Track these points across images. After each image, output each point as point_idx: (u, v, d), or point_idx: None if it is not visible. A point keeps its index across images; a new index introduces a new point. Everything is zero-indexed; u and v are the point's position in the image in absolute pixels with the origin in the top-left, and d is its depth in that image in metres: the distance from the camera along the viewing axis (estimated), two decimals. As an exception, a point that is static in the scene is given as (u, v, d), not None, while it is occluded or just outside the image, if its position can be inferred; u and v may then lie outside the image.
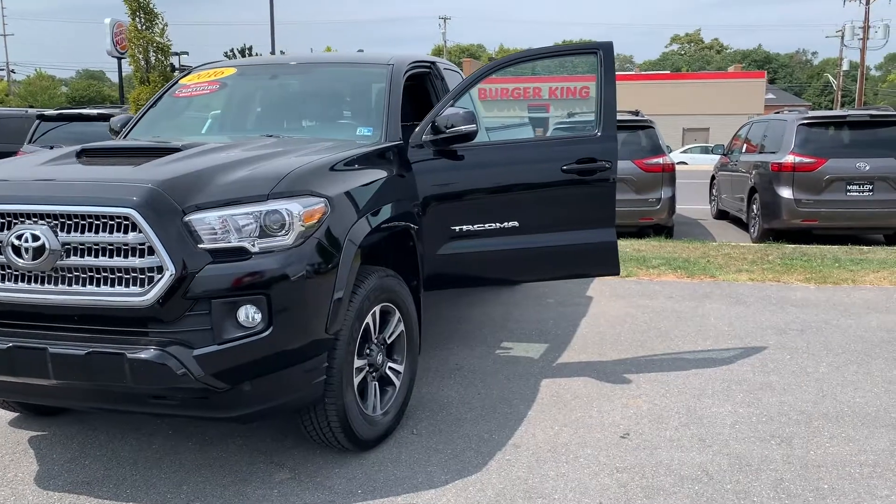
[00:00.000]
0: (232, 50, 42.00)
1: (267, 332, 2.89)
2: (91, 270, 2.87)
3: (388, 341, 3.69)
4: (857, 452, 3.46)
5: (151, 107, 4.68)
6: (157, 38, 15.92)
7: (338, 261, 3.11)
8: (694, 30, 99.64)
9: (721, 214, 13.49)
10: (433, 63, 5.05)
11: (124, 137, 4.51)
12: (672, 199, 10.44)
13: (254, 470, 3.39)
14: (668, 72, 63.57)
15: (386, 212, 3.61)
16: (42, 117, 11.97)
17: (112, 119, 4.78)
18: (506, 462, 3.42)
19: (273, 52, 28.70)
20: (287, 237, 2.95)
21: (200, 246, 2.86)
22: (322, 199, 3.11)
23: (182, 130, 4.49)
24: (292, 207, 2.96)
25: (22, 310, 2.94)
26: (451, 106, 4.17)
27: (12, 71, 72.69)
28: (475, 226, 4.20)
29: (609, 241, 4.36)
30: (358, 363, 3.39)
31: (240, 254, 2.89)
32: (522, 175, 4.28)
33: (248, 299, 2.89)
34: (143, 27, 15.90)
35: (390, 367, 3.72)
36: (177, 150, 3.37)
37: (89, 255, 2.86)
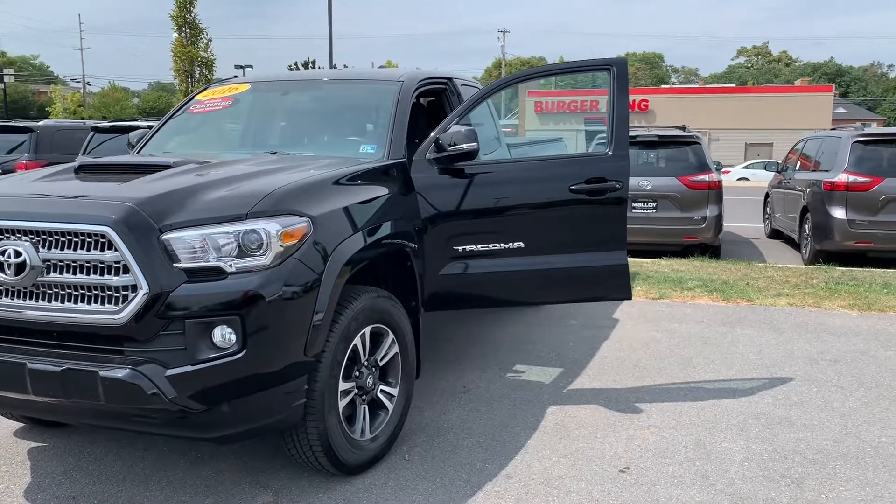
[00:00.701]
0: (295, 63, 42.87)
1: (241, 354, 2.85)
2: (70, 287, 2.88)
3: (381, 363, 3.61)
4: (873, 499, 3.22)
5: (167, 122, 4.74)
6: (202, 53, 16.32)
7: (319, 281, 3.05)
8: (761, 42, 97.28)
9: (775, 234, 13.01)
10: (449, 79, 4.98)
11: (137, 152, 4.56)
12: (718, 218, 10.11)
13: (237, 491, 3.35)
14: (734, 85, 62.15)
15: (379, 231, 3.54)
16: (96, 129, 12.34)
17: (130, 133, 4.84)
18: (494, 493, 3.30)
19: (331, 66, 29.16)
20: (264, 257, 2.91)
21: (176, 265, 2.84)
22: (304, 219, 3.06)
23: (192, 146, 4.52)
24: (270, 227, 2.92)
25: (4, 324, 2.97)
26: (457, 123, 4.09)
27: (88, 83, 75.72)
28: (478, 246, 4.10)
29: (619, 264, 4.20)
30: (344, 386, 3.32)
31: (216, 273, 2.86)
32: (528, 194, 4.16)
33: (223, 320, 2.85)
34: (189, 42, 16.31)
35: (383, 391, 3.63)
36: (168, 167, 3.38)
37: (68, 272, 2.87)
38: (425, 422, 4.11)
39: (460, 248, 4.09)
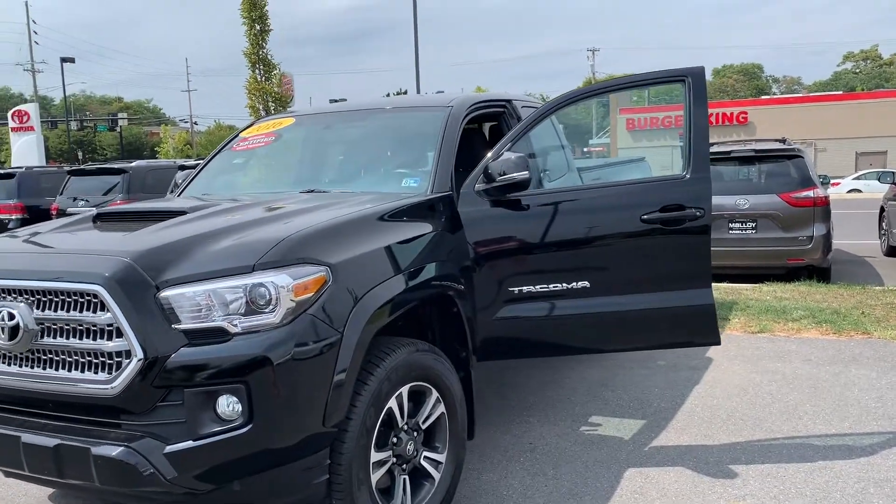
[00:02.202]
0: (388, 94, 43.52)
1: (248, 427, 2.48)
2: (64, 353, 2.60)
3: (424, 426, 3.17)
4: None
5: (210, 161, 4.50)
6: (275, 89, 16.48)
7: (340, 340, 2.65)
8: (870, 46, 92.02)
9: (892, 251, 11.84)
10: (508, 102, 4.53)
11: (179, 194, 4.34)
12: (826, 237, 9.18)
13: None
14: (841, 92, 58.90)
15: (417, 274, 3.12)
16: (182, 167, 12.55)
17: (177, 174, 4.64)
18: (554, 585, 2.79)
19: (417, 93, 29.25)
20: (273, 315, 2.54)
21: (175, 326, 2.51)
22: (322, 268, 2.68)
23: (231, 186, 4.25)
24: (280, 280, 2.55)
25: (3, 393, 2.71)
26: (509, 150, 3.64)
27: (195, 123, 79.48)
28: (537, 287, 3.62)
29: (704, 305, 3.62)
30: (377, 456, 2.90)
31: (219, 335, 2.52)
32: (592, 227, 3.65)
33: (228, 388, 2.49)
34: (263, 79, 16.53)
35: (427, 458, 3.19)
36: (182, 213, 3.08)
37: (62, 335, 2.60)
38: (483, 487, 3.63)
39: (516, 289, 3.62)
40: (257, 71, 16.39)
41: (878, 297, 7.37)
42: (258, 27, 16.17)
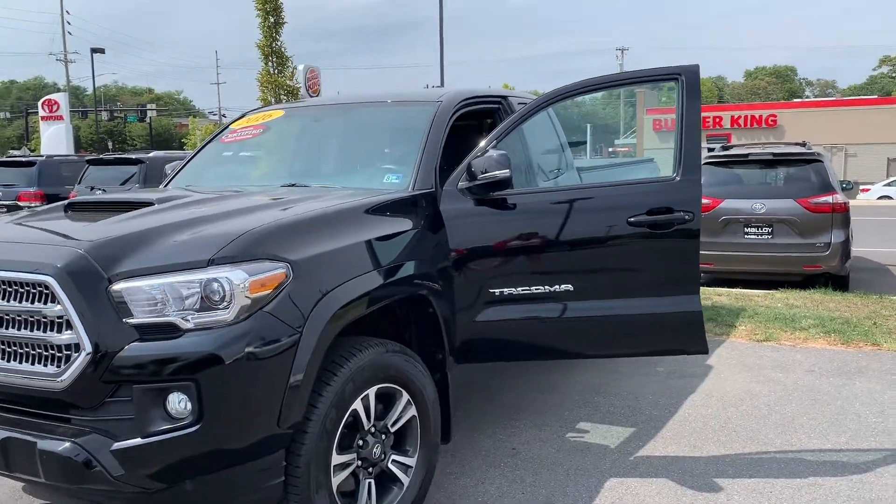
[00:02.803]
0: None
1: (198, 426, 2.41)
2: (16, 344, 2.55)
3: (393, 430, 3.09)
4: None
5: (199, 152, 4.45)
6: (287, 82, 16.45)
7: (297, 340, 2.57)
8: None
9: (917, 261, 11.53)
10: (504, 98, 4.43)
11: (166, 185, 4.29)
12: (845, 244, 8.93)
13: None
14: (875, 96, 57.79)
15: (389, 274, 3.04)
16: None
17: (168, 165, 4.60)
18: None
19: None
20: (227, 312, 2.47)
21: (127, 320, 2.45)
22: (281, 265, 2.60)
23: (216, 178, 4.19)
24: (235, 276, 2.48)
25: None
26: (494, 147, 3.54)
27: (224, 115, 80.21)
28: (519, 289, 3.51)
29: (691, 312, 3.49)
30: (340, 459, 2.82)
31: (170, 331, 2.45)
32: (576, 228, 3.54)
33: (178, 386, 2.43)
34: (276, 71, 16.51)
35: (396, 461, 3.11)
36: (149, 204, 3.02)
37: (13, 326, 2.55)
38: (458, 492, 3.54)
39: (497, 291, 3.52)
40: (270, 63, 16.39)
41: (893, 307, 7.14)
42: (272, 19, 16.19)
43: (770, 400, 4.65)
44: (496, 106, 4.38)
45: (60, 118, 36.21)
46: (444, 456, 3.92)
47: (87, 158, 15.85)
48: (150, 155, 14.76)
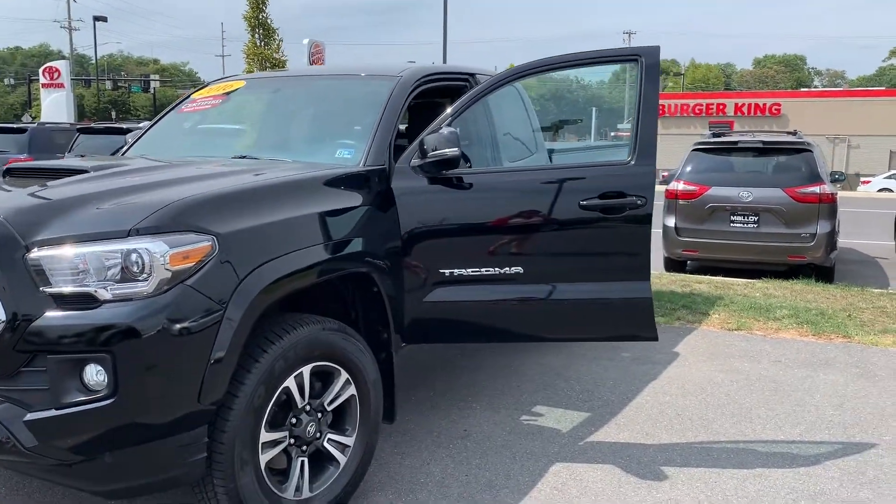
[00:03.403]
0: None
1: (113, 399, 2.38)
2: (-64, 311, 2.50)
3: (330, 408, 3.05)
4: None
5: (158, 121, 4.39)
6: (274, 55, 16.32)
7: (221, 315, 2.53)
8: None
9: (906, 253, 11.46)
10: (471, 75, 4.35)
11: (122, 154, 4.24)
12: (830, 235, 8.87)
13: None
14: (883, 88, 57.32)
15: (328, 250, 2.99)
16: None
17: (128, 135, 4.54)
18: (439, 581, 2.67)
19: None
20: (146, 284, 2.42)
21: (44, 289, 2.40)
22: (207, 237, 2.55)
23: (171, 149, 4.12)
24: (155, 247, 2.43)
25: None
26: (448, 125, 3.47)
27: (228, 88, 79.65)
28: (469, 270, 3.46)
29: (640, 298, 3.44)
30: (270, 436, 2.79)
31: (88, 301, 2.40)
32: (529, 211, 3.48)
33: (94, 357, 2.39)
34: (262, 43, 16.37)
35: (332, 440, 3.07)
36: (83, 171, 2.97)
37: (-68, 292, 2.49)
38: (401, 473, 3.51)
39: (447, 271, 3.47)
40: (256, 35, 16.25)
41: (871, 299, 7.09)
42: (259, -9, 16.09)
43: (731, 389, 4.61)
44: (463, 83, 4.30)
45: (61, 86, 36.01)
46: (396, 435, 3.91)
47: (77, 127, 15.77)
48: (142, 125, 14.66)
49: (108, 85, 61.28)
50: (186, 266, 2.48)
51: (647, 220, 3.38)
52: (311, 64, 24.01)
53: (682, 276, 8.66)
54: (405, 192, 3.44)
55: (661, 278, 8.27)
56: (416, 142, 3.46)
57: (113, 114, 68.19)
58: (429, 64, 4.18)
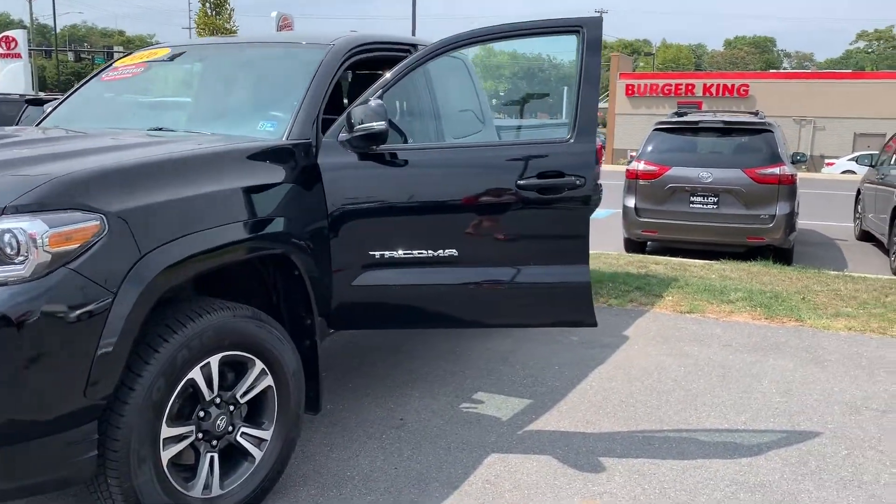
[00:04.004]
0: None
1: (-14, 394, 2.15)
2: None
3: (243, 400, 2.85)
4: None
5: (77, 90, 4.11)
6: (225, 25, 15.93)
7: (110, 301, 2.31)
8: (885, 26, 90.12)
9: (865, 236, 11.49)
10: (413, 46, 4.12)
11: (37, 124, 3.96)
12: (790, 217, 8.80)
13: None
14: (849, 71, 57.86)
15: (237, 230, 2.77)
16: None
17: (46, 105, 4.26)
18: (353, 585, 2.50)
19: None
20: (22, 267, 2.19)
21: None
22: (94, 216, 2.32)
23: (86, 119, 3.85)
24: (32, 227, 2.20)
25: None
26: (378, 97, 3.26)
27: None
28: (400, 252, 3.27)
29: (578, 283, 3.28)
30: (172, 431, 2.59)
31: (-41, 285, 2.17)
32: (464, 190, 3.29)
33: (-36, 347, 2.16)
34: (213, 13, 15.95)
35: (246, 434, 2.88)
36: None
37: None
38: (329, 466, 3.34)
39: (377, 253, 3.27)
40: (207, 5, 15.80)
41: (827, 282, 7.03)
42: (210, -41, 15.61)
43: (678, 375, 4.49)
44: (404, 55, 4.07)
45: (18, 56, 34.84)
46: (327, 425, 3.73)
47: (26, 98, 15.21)
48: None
49: (71, 56, 59.73)
50: (70, 248, 2.25)
51: (586, 201, 3.21)
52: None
53: (640, 256, 8.56)
54: (332, 168, 3.23)
55: (618, 259, 8.16)
56: (344, 115, 3.24)
57: (76, 85, 66.58)
58: (366, 33, 3.94)
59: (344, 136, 3.24)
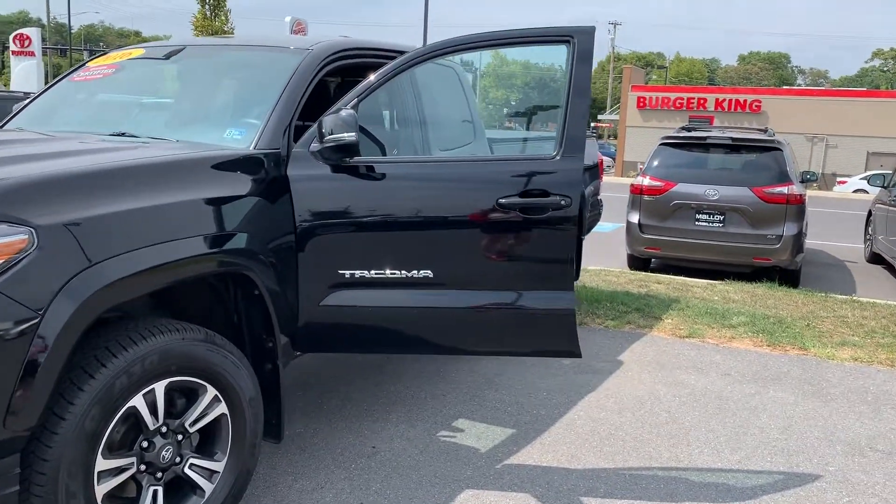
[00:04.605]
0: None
1: None
2: None
3: (192, 429, 2.64)
4: None
5: (45, 91, 3.93)
6: (223, 28, 15.80)
7: (36, 323, 2.10)
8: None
9: (875, 258, 11.20)
10: (400, 53, 3.90)
11: (2, 126, 3.78)
12: (797, 238, 8.55)
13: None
14: (864, 89, 57.41)
15: (188, 247, 2.56)
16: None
17: (16, 105, 4.07)
18: None
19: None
20: (-63, 285, 1.99)
21: None
22: (22, 230, 2.12)
23: (50, 122, 3.65)
24: (-52, 242, 2.00)
25: None
26: (353, 106, 3.06)
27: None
28: (371, 272, 3.06)
29: (562, 310, 3.06)
30: (109, 464, 2.38)
31: None
32: (441, 208, 3.08)
33: None
34: (212, 15, 15.82)
35: (196, 466, 2.67)
36: None
37: None
38: (291, 496, 3.12)
39: (347, 273, 3.06)
40: (206, 6, 15.65)
41: (834, 308, 6.78)
42: (209, -39, 15.48)
43: (672, 406, 4.26)
44: (387, 62, 3.86)
45: (31, 54, 34.84)
46: (295, 451, 3.53)
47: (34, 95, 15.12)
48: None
49: (86, 55, 59.95)
50: (-9, 265, 2.05)
51: (571, 222, 2.99)
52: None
53: (642, 275, 8.32)
54: (302, 180, 3.02)
55: (619, 277, 7.93)
56: (316, 124, 3.04)
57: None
58: (350, 38, 3.74)
59: (315, 146, 3.04)
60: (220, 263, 2.69)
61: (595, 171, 6.32)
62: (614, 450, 3.68)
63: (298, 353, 3.22)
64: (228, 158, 2.87)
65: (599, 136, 51.01)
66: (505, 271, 3.10)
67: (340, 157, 3.01)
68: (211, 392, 2.66)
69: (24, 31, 37.48)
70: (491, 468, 3.45)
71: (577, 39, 3.06)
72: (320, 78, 3.37)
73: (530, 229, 3.03)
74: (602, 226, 14.30)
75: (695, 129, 10.11)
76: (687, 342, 5.52)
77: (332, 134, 2.92)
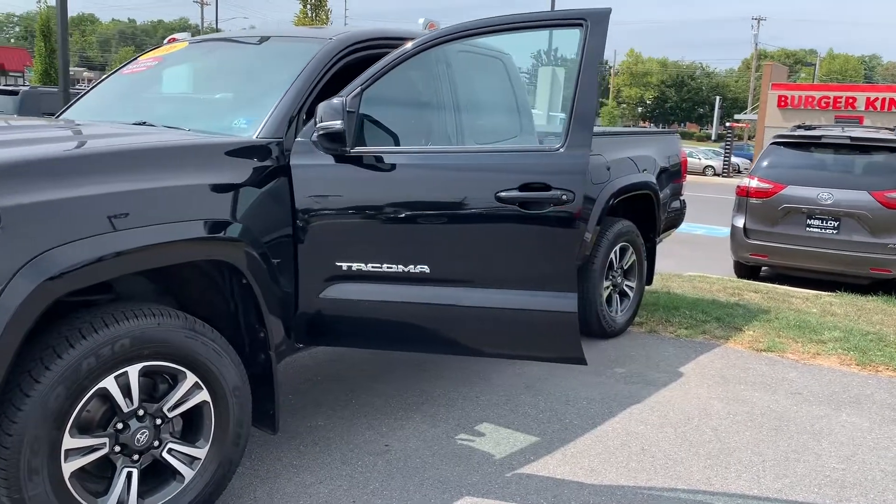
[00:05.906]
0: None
1: None
2: None
3: (171, 414, 2.66)
4: None
5: (98, 84, 4.13)
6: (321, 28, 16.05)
7: (-9, 300, 2.17)
8: None
9: None
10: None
11: (57, 117, 4.00)
12: (922, 248, 7.73)
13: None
14: None
15: (165, 233, 2.57)
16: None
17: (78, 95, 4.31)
18: None
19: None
20: None
21: None
22: (-15, 211, 2.19)
23: (93, 111, 3.81)
24: None
25: None
26: (359, 93, 2.98)
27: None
28: (368, 265, 2.98)
29: (563, 312, 2.86)
30: (78, 442, 2.44)
31: None
32: (438, 201, 2.96)
33: None
34: (313, 14, 16.09)
35: (174, 451, 2.69)
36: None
37: None
38: (287, 490, 3.10)
39: (345, 265, 3.01)
40: (308, 6, 15.96)
41: (952, 327, 6.04)
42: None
43: (722, 424, 3.91)
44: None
45: (181, 57, 37.51)
46: (308, 443, 3.53)
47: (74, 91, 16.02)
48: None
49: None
50: (-50, 243, 2.13)
51: (573, 218, 2.78)
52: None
53: (741, 283, 7.79)
54: (303, 169, 2.99)
55: (712, 284, 7.45)
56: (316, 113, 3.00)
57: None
58: (371, 28, 3.67)
59: (315, 135, 2.99)
60: (200, 251, 2.70)
61: (673, 172, 5.94)
62: (641, 467, 3.41)
63: (301, 345, 3.19)
64: (229, 146, 2.87)
65: (738, 137, 48.56)
66: (502, 269, 2.94)
67: (334, 146, 2.95)
68: (191, 379, 2.67)
69: (175, 35, 40.18)
70: (500, 476, 3.28)
71: (590, 22, 2.85)
72: (341, 67, 3.33)
73: (529, 225, 2.85)
74: (713, 229, 13.59)
75: (813, 128, 9.36)
76: (763, 356, 5.07)
77: (321, 121, 2.86)
